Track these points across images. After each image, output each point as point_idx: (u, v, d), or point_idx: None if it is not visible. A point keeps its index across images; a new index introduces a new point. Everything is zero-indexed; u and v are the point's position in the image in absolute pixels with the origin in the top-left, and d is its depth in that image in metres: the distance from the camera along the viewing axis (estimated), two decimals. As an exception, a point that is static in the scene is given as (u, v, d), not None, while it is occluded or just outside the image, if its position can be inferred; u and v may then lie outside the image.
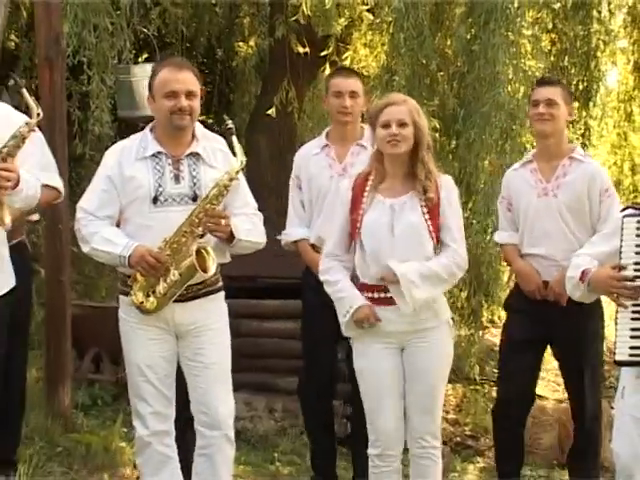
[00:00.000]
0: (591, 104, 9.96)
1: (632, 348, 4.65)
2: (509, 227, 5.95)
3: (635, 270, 4.66)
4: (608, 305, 5.38)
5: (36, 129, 5.13)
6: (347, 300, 4.98)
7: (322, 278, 5.19)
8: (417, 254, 4.95)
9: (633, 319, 4.68)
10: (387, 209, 4.99)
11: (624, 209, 5.02)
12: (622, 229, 4.76)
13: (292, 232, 6.14)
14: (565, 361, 6.07)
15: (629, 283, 4.50)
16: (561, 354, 6.06)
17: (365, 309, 4.92)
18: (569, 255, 5.40)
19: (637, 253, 4.68)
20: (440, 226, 5.02)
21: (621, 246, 4.74)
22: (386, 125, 4.92)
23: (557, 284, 5.55)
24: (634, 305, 4.68)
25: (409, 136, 4.92)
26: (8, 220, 4.77)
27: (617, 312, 4.75)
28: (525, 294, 5.91)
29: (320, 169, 6.10)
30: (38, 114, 4.89)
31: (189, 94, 4.90)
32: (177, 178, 4.94)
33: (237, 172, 4.97)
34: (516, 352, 6.00)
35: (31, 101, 4.98)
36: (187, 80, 4.94)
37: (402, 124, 4.91)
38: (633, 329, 4.68)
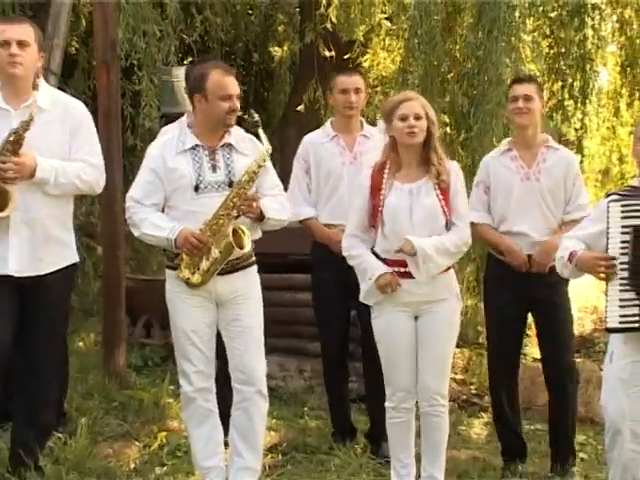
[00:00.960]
0: (587, 102, 9.95)
1: (622, 316, 4.70)
2: (482, 208, 5.92)
3: (621, 248, 4.73)
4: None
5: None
6: (369, 269, 4.99)
7: (346, 254, 5.22)
8: (433, 232, 4.99)
9: (621, 290, 4.73)
10: (406, 194, 5.01)
11: (608, 195, 5.09)
12: (608, 213, 4.81)
13: (300, 211, 6.12)
14: (545, 325, 6.06)
15: (612, 262, 4.60)
16: (542, 319, 6.06)
17: (387, 276, 4.94)
18: (545, 231, 5.60)
19: (623, 233, 4.72)
20: (452, 201, 5.05)
21: (608, 228, 4.78)
22: (404, 118, 4.94)
23: (539, 257, 5.66)
24: (621, 279, 4.73)
25: (424, 127, 4.95)
26: (8, 211, 4.75)
27: (607, 285, 4.80)
28: (502, 265, 5.94)
29: (331, 155, 6.14)
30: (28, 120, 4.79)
31: (238, 97, 5.00)
32: (214, 168, 4.99)
33: (264, 159, 5.02)
34: (504, 324, 6.05)
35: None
36: (236, 84, 5.03)
37: (418, 117, 4.94)
38: (622, 299, 4.72)
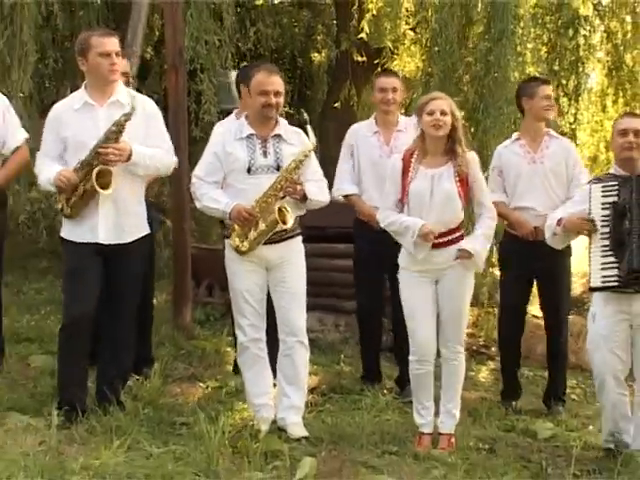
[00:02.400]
0: (579, 99, 9.92)
1: (603, 277, 4.84)
2: (498, 189, 5.96)
3: (602, 221, 4.88)
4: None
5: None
6: (411, 226, 4.92)
7: (385, 223, 5.15)
8: (448, 214, 4.99)
9: (603, 256, 4.88)
10: (428, 178, 4.98)
11: (592, 179, 5.25)
12: (590, 192, 4.91)
13: (345, 187, 6.17)
14: (547, 288, 6.09)
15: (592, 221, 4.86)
16: (543, 284, 6.09)
17: (427, 225, 4.89)
18: (549, 206, 5.63)
19: (603, 209, 4.90)
20: (472, 191, 5.04)
21: (590, 205, 4.94)
22: (431, 113, 4.93)
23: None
24: (603, 246, 4.80)
25: (448, 122, 4.93)
26: (111, 189, 4.85)
27: (589, 252, 4.93)
28: (514, 238, 5.99)
29: (372, 148, 6.17)
30: (133, 107, 4.87)
31: (276, 93, 4.98)
32: (265, 154, 5.01)
33: (310, 151, 5.05)
34: (513, 286, 6.11)
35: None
36: (275, 82, 5.00)
37: (443, 113, 4.92)
38: (603, 263, 4.87)
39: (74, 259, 5.04)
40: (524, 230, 5.89)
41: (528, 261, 5.88)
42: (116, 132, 4.84)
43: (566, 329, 6.18)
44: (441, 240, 4.99)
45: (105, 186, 4.83)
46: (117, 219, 5.00)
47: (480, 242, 5.02)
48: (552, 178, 5.89)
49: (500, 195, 5.98)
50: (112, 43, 4.95)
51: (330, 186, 5.54)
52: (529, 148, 5.99)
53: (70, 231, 5.04)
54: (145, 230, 5.22)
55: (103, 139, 4.84)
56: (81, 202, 4.93)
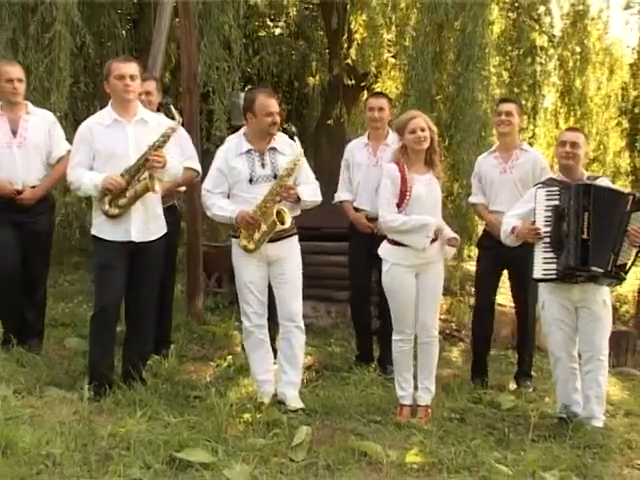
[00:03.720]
0: (537, 117, 9.97)
1: (544, 270, 4.94)
2: (479, 193, 6.05)
3: (545, 221, 4.94)
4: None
5: (182, 130, 5.25)
6: (425, 222, 4.89)
7: (397, 223, 4.93)
8: (437, 213, 5.05)
9: (544, 252, 4.95)
10: (425, 183, 4.99)
11: (538, 183, 5.23)
12: (536, 196, 4.97)
13: (341, 195, 6.27)
14: (516, 279, 6.10)
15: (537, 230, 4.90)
16: (514, 274, 6.10)
17: (434, 223, 4.93)
18: None
19: (546, 211, 4.95)
20: None
21: (535, 207, 5.00)
22: (413, 131, 4.93)
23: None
24: (544, 243, 4.91)
25: (428, 137, 4.94)
26: (158, 188, 4.92)
27: (534, 249, 5.00)
28: (491, 236, 5.96)
29: (363, 159, 6.19)
30: (179, 121, 5.05)
31: (278, 113, 4.99)
32: (263, 165, 5.01)
33: (298, 160, 5.04)
34: (486, 276, 6.14)
35: (176, 114, 5.08)
36: (276, 104, 5.03)
37: (422, 129, 4.93)
38: (544, 258, 4.96)
39: (104, 255, 5.01)
40: (496, 231, 5.86)
41: (499, 254, 5.87)
42: (163, 142, 4.91)
43: (533, 315, 6.14)
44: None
45: (153, 188, 4.89)
46: (146, 220, 5.02)
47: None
48: (520, 186, 5.86)
49: (479, 198, 6.08)
50: (127, 67, 4.94)
51: (322, 188, 5.52)
52: (502, 160, 6.00)
53: (102, 230, 5.01)
54: (164, 230, 5.22)
55: (152, 148, 4.89)
56: (130, 202, 4.92)
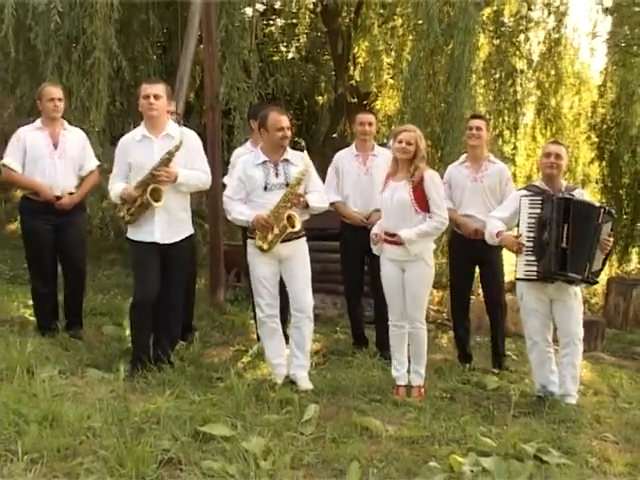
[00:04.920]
0: (517, 132, 9.95)
1: (526, 271, 4.94)
2: (448, 198, 5.80)
3: (528, 227, 4.90)
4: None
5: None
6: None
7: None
8: (403, 216, 4.93)
9: (527, 255, 4.94)
10: (390, 189, 4.99)
11: (521, 189, 5.18)
12: (520, 204, 4.94)
13: (330, 197, 5.89)
14: (486, 273, 6.07)
15: (521, 244, 4.87)
16: (484, 269, 6.06)
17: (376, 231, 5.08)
18: (486, 214, 5.51)
19: (529, 218, 4.92)
20: (427, 201, 4.94)
21: (520, 214, 4.97)
22: (400, 142, 4.91)
23: (482, 229, 5.51)
24: (527, 247, 4.90)
25: (411, 151, 4.90)
26: (161, 202, 4.85)
27: (517, 255, 4.98)
28: (460, 237, 5.95)
29: (353, 168, 6.13)
30: (181, 142, 4.89)
31: (288, 128, 4.97)
32: (277, 174, 4.99)
33: (307, 170, 5.00)
34: (459, 275, 6.11)
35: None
36: (286, 120, 5.01)
37: (409, 143, 4.89)
38: (527, 261, 4.94)
39: (137, 254, 5.04)
40: (466, 230, 5.88)
41: (470, 252, 5.86)
42: (168, 159, 4.85)
43: (503, 303, 6.13)
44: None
45: (157, 199, 4.84)
46: (168, 224, 4.99)
47: (413, 232, 4.87)
48: (489, 193, 5.85)
49: (448, 203, 5.87)
50: (151, 88, 4.93)
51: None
52: (472, 170, 5.94)
53: (133, 233, 5.04)
54: (190, 231, 5.19)
55: (158, 164, 4.85)
56: (139, 211, 4.92)
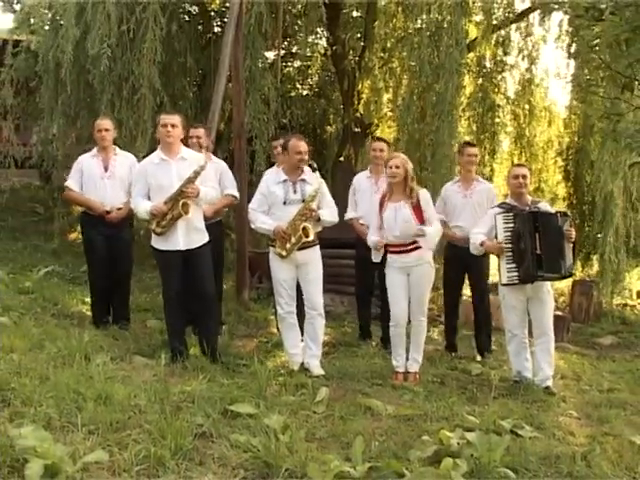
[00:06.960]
0: (495, 157, 9.97)
1: (508, 277, 4.91)
2: (441, 212, 5.84)
3: (505, 240, 4.91)
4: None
5: (224, 166, 5.41)
6: (370, 240, 5.14)
7: (369, 240, 5.19)
8: (407, 230, 4.93)
9: (507, 263, 4.93)
10: (393, 209, 4.98)
11: (494, 206, 5.21)
12: (495, 221, 4.92)
13: (349, 214, 6.13)
14: (474, 279, 6.09)
15: (501, 247, 4.86)
16: (472, 275, 6.07)
17: (376, 240, 5.08)
18: (473, 225, 5.43)
19: (505, 232, 4.94)
20: (423, 215, 4.96)
21: (496, 228, 4.96)
22: (390, 167, 4.93)
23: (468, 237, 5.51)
24: (507, 256, 4.85)
25: (401, 174, 4.93)
26: (190, 214, 4.80)
27: (499, 259, 4.95)
28: (453, 246, 5.96)
29: (367, 188, 6.13)
30: (206, 162, 4.95)
31: (305, 152, 4.95)
32: (294, 191, 4.99)
33: (318, 189, 4.98)
34: (452, 279, 6.12)
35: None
36: (303, 145, 5.00)
37: (397, 167, 4.91)
38: (508, 268, 4.93)
39: (164, 260, 4.95)
40: (454, 238, 5.93)
41: (461, 262, 5.87)
42: (194, 178, 4.81)
43: (487, 302, 6.13)
44: (408, 247, 4.96)
45: (187, 212, 4.80)
46: (188, 233, 4.90)
47: (431, 229, 4.93)
48: (477, 208, 5.85)
49: (441, 216, 5.89)
50: (168, 118, 4.90)
51: (338, 210, 5.48)
52: (463, 187, 5.97)
53: (158, 242, 4.94)
54: (206, 239, 5.03)
55: (185, 182, 4.80)
56: (170, 223, 4.86)
